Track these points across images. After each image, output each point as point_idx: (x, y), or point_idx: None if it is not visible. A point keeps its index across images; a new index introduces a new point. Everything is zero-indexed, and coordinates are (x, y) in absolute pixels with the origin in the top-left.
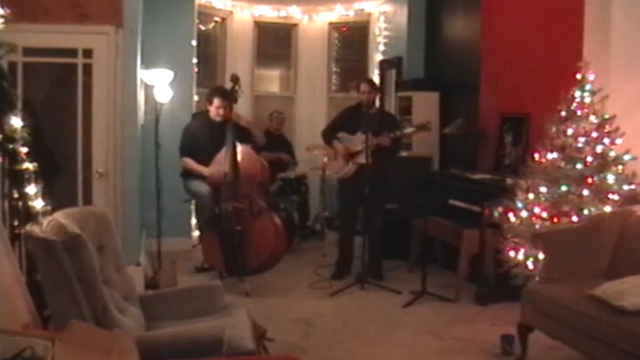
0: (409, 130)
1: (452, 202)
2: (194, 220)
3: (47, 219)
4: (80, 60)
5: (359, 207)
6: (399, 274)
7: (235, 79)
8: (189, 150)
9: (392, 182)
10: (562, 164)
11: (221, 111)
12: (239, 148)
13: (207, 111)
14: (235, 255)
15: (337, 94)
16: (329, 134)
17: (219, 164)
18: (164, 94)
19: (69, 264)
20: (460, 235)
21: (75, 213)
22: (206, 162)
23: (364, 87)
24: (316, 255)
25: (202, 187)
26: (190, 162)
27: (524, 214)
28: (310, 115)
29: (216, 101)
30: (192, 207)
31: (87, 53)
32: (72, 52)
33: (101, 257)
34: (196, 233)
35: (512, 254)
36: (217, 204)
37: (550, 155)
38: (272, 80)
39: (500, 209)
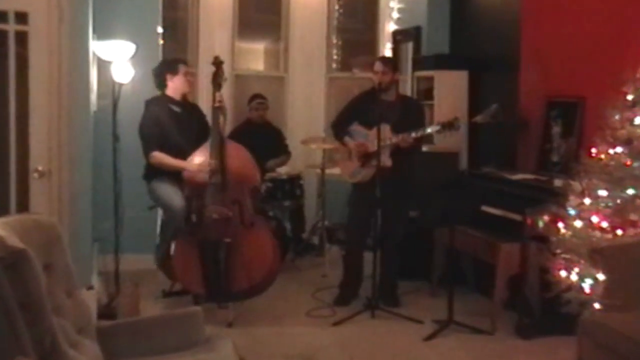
0: (431, 129)
1: (485, 208)
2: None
3: None
4: (11, 27)
5: (373, 217)
6: (419, 299)
7: (218, 63)
8: (156, 143)
9: (412, 184)
10: (628, 161)
11: (190, 78)
12: (230, 144)
13: (164, 94)
14: (219, 275)
15: (340, 74)
16: (340, 128)
17: (202, 160)
18: (123, 72)
19: (7, 287)
20: (496, 250)
21: (15, 222)
22: (176, 154)
23: (378, 66)
24: (314, 275)
25: (174, 196)
26: (164, 157)
27: (577, 223)
28: (306, 100)
29: (182, 68)
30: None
31: (21, 17)
32: (1, 16)
33: (49, 278)
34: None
35: (562, 274)
36: (200, 208)
37: (612, 150)
38: (256, 55)
39: (546, 218)
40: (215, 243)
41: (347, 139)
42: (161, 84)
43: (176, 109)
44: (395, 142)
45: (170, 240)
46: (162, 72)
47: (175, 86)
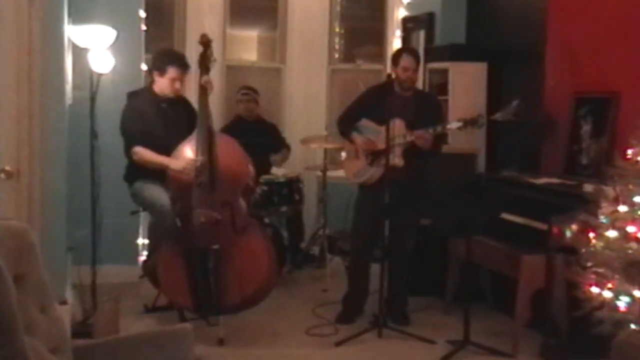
0: (452, 125)
1: (505, 216)
2: (143, 241)
3: None
4: None
5: (381, 224)
6: (432, 316)
7: (206, 42)
8: (139, 139)
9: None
10: None
11: (178, 84)
12: (218, 136)
13: (151, 87)
14: (209, 286)
15: (343, 65)
16: (347, 123)
17: (188, 156)
18: (101, 61)
19: None
20: (518, 262)
21: None
22: (160, 153)
23: (407, 61)
24: (314, 290)
25: (162, 196)
26: (147, 153)
27: (611, 233)
28: (305, 94)
29: (172, 71)
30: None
31: None
32: None
33: (20, 292)
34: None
35: (594, 290)
36: (185, 212)
37: None
38: (250, 44)
39: (575, 227)
40: (203, 251)
41: (354, 134)
42: (150, 76)
43: (163, 104)
44: (411, 140)
45: (159, 238)
46: (152, 65)
47: (159, 87)
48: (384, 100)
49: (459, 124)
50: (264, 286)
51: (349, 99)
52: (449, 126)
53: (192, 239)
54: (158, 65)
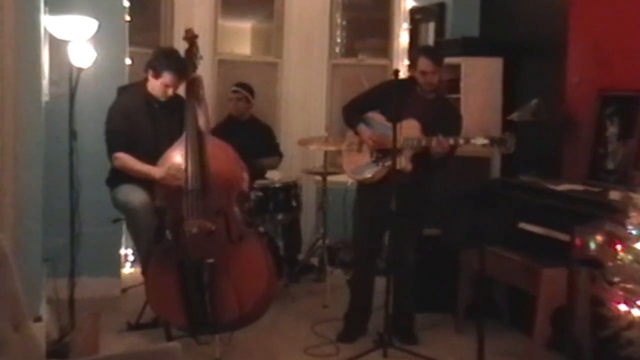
0: (477, 141)
1: (523, 226)
2: (125, 251)
3: None
4: None
5: (385, 231)
6: (442, 335)
7: (191, 37)
8: (123, 142)
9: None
10: None
11: (170, 91)
12: (209, 139)
13: (144, 83)
14: (203, 303)
15: (344, 60)
16: (355, 112)
17: (175, 162)
18: (81, 55)
19: None
20: (538, 276)
21: None
22: (148, 159)
23: (425, 65)
24: (313, 305)
25: (136, 193)
26: (129, 160)
27: None
28: (304, 91)
29: (167, 76)
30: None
31: None
32: None
33: None
34: (129, 270)
35: (621, 307)
36: (176, 222)
37: None
38: (243, 36)
39: (600, 238)
40: (196, 264)
41: (362, 126)
42: (145, 72)
43: (155, 104)
44: (426, 145)
45: (147, 246)
46: (149, 63)
47: (151, 87)
48: (401, 97)
49: (485, 141)
50: (263, 301)
51: (350, 96)
52: (473, 140)
53: (184, 251)
54: (155, 65)
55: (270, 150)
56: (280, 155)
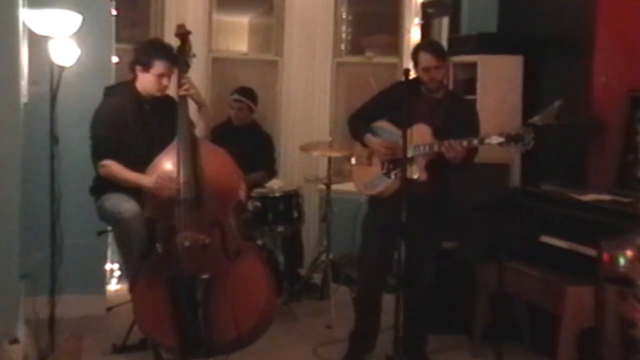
0: (492, 140)
1: (545, 239)
2: (111, 266)
3: None
4: None
5: (396, 248)
6: (457, 358)
7: (183, 34)
8: (111, 148)
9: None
10: None
11: (165, 81)
12: (203, 144)
13: (133, 82)
14: (197, 322)
15: (350, 58)
16: (361, 122)
17: (166, 169)
18: (64, 52)
19: None
20: (562, 294)
21: None
22: (138, 167)
23: (426, 59)
24: (316, 324)
25: (125, 202)
26: (117, 168)
27: None
28: (306, 91)
29: (159, 65)
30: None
31: None
32: None
33: None
34: (115, 286)
35: None
36: (168, 235)
37: None
38: (240, 32)
39: (630, 253)
40: (189, 280)
41: (369, 136)
42: (131, 71)
43: (146, 106)
44: (438, 151)
45: (137, 261)
46: (134, 59)
47: (142, 84)
48: (409, 100)
49: (501, 139)
50: (262, 321)
51: (357, 98)
52: (487, 140)
53: (176, 266)
54: (142, 58)
55: (266, 164)
56: (272, 172)
